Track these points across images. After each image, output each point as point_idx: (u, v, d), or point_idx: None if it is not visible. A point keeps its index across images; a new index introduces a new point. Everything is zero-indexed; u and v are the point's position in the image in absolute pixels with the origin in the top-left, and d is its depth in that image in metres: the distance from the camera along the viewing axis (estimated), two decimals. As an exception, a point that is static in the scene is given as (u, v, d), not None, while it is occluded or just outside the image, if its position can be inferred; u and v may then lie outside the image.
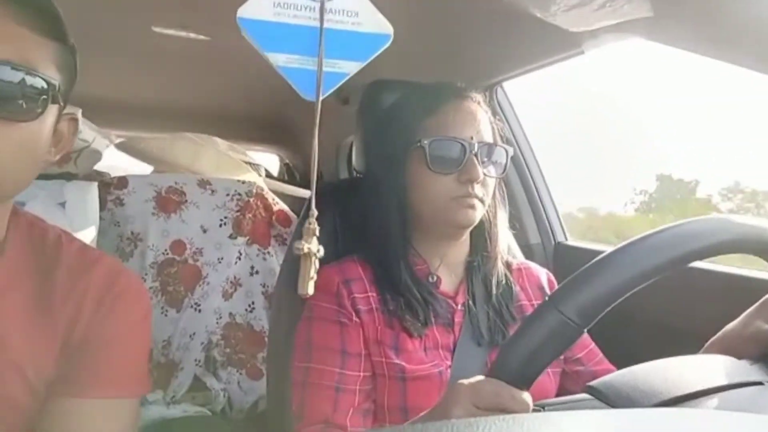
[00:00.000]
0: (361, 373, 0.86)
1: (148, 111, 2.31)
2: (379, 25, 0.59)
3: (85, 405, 0.66)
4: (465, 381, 0.59)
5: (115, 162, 2.09)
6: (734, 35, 0.75)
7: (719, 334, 0.73)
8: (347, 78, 0.58)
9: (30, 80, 0.60)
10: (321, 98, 0.57)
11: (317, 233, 0.59)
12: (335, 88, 0.57)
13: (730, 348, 0.68)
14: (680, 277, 0.58)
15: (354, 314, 0.88)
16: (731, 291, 1.05)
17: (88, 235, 1.67)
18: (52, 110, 0.65)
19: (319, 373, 0.85)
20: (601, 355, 0.99)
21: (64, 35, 0.66)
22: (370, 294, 0.90)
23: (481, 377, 0.58)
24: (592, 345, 0.99)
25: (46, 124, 0.65)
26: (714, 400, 0.52)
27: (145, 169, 2.18)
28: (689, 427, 0.27)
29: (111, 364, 0.69)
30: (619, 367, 0.61)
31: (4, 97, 0.59)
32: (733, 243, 0.56)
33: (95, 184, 1.77)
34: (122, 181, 1.88)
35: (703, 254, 0.55)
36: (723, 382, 0.54)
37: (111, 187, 1.85)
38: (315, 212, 0.58)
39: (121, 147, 2.03)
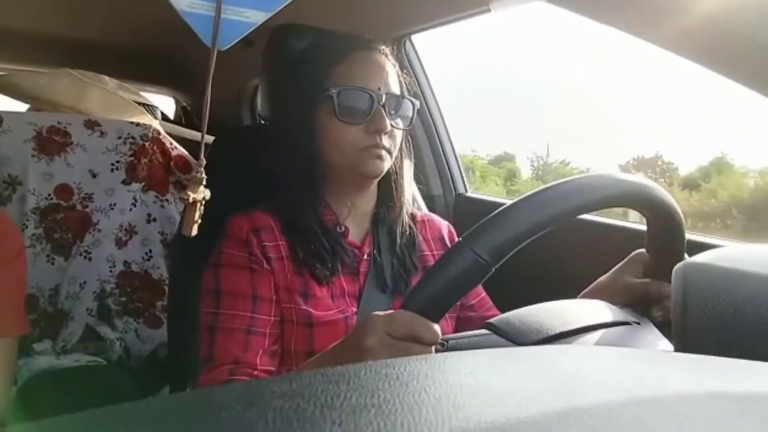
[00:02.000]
0: (272, 318, 0.87)
1: (25, 42, 2.06)
2: None
3: None
4: (380, 312, 0.61)
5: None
6: (635, 7, 0.80)
7: (592, 285, 0.83)
8: (253, 28, 0.56)
9: None
10: (223, 48, 0.56)
11: (204, 182, 0.59)
12: (241, 37, 0.56)
13: (600, 297, 0.77)
14: (566, 227, 0.64)
15: (264, 261, 0.88)
16: (610, 240, 1.17)
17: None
18: None
19: (229, 317, 0.85)
20: (491, 302, 1.06)
21: None
22: (280, 242, 0.91)
23: (395, 310, 0.61)
24: (484, 293, 1.06)
25: None
26: (592, 336, 0.59)
27: (21, 107, 1.97)
28: (569, 360, 0.31)
29: None
30: (513, 308, 0.67)
31: None
32: (620, 197, 0.63)
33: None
34: (-5, 119, 1.70)
35: (598, 205, 0.61)
36: (600, 321, 0.62)
37: (-18, 125, 1.67)
38: (203, 161, 0.59)
39: None
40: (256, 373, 0.83)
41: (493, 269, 0.56)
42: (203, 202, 0.58)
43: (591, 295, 0.81)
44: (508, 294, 1.08)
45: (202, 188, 0.58)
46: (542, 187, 0.59)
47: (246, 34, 0.57)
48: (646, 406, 0.21)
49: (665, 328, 0.68)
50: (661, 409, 0.21)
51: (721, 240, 1.03)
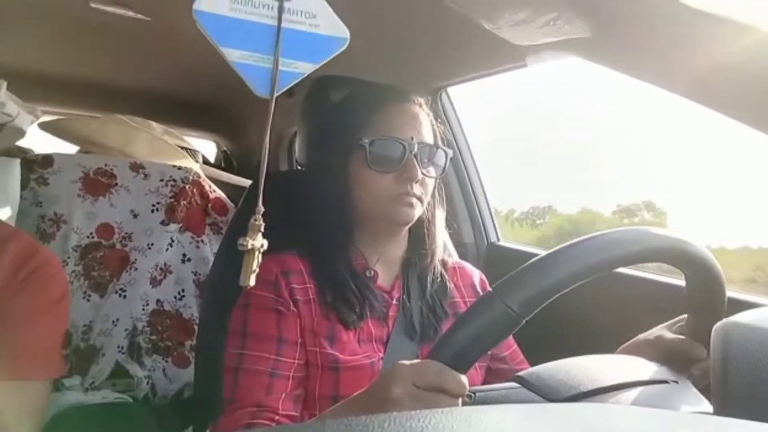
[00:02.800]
0: (296, 361, 0.87)
1: (79, 89, 2.18)
2: (336, 28, 0.60)
3: None
4: (406, 362, 0.61)
5: (40, 141, 1.97)
6: (663, 64, 0.81)
7: (631, 340, 0.80)
8: (301, 78, 0.59)
9: None
10: (275, 96, 0.58)
11: (262, 229, 0.59)
12: (288, 87, 0.58)
13: (639, 352, 0.74)
14: (603, 281, 0.63)
15: (291, 304, 0.89)
16: (649, 295, 1.13)
17: (4, 213, 1.58)
18: None
19: (254, 359, 0.85)
20: (522, 356, 1.04)
21: None
22: (308, 285, 0.91)
23: (422, 360, 0.60)
24: (515, 346, 1.04)
25: None
26: (627, 394, 0.56)
27: (70, 149, 2.07)
28: (605, 421, 0.30)
29: (21, 343, 0.66)
30: (544, 362, 0.65)
31: None
32: (655, 251, 0.61)
33: (17, 161, 1.67)
34: (47, 160, 1.78)
35: (632, 260, 0.60)
36: (636, 378, 0.59)
37: (35, 165, 1.75)
38: (261, 209, 0.59)
39: (46, 127, 1.91)
40: (277, 417, 0.82)
41: (524, 321, 0.55)
42: (261, 250, 0.59)
43: (629, 350, 0.79)
44: (540, 347, 1.05)
45: (260, 236, 0.59)
46: (578, 239, 0.58)
47: (294, 83, 0.59)
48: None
49: (705, 389, 0.65)
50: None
51: (763, 299, 0.99)
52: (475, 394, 0.61)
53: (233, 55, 0.56)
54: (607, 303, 1.16)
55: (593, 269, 0.56)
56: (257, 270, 0.62)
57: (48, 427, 1.40)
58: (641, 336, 0.80)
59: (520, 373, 0.59)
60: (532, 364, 1.02)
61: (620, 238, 0.59)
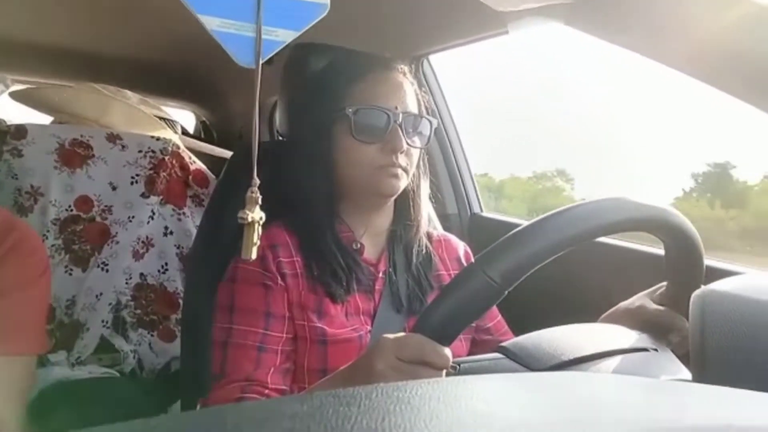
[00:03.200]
0: (284, 335, 0.87)
1: (51, 56, 2.10)
2: None
3: None
4: (390, 335, 0.61)
5: (11, 110, 1.91)
6: (645, 30, 0.81)
7: (612, 309, 0.82)
8: (282, 46, 0.57)
9: None
10: (260, 65, 0.56)
11: (260, 202, 0.59)
12: (270, 55, 0.57)
13: (619, 321, 0.76)
14: (584, 251, 0.63)
15: (279, 278, 0.89)
16: (629, 264, 1.15)
17: (-20, 186, 1.55)
18: None
19: (242, 333, 0.86)
20: (506, 327, 1.06)
21: None
22: (295, 259, 0.91)
23: (404, 334, 0.61)
24: (500, 317, 1.05)
25: None
26: (608, 362, 0.58)
27: (45, 119, 2.01)
28: (586, 388, 0.31)
29: (5, 320, 0.66)
30: (528, 332, 0.66)
31: None
32: (635, 220, 0.62)
33: (-12, 132, 1.62)
34: (21, 131, 1.73)
35: (611, 229, 0.60)
36: (616, 347, 0.61)
37: (8, 136, 1.70)
38: (257, 181, 0.58)
39: (17, 96, 1.85)
40: (267, 391, 0.83)
41: (506, 292, 0.56)
42: (260, 223, 0.59)
43: (610, 319, 0.80)
44: (524, 317, 1.07)
45: (258, 208, 0.58)
46: (557, 209, 0.59)
47: (276, 51, 0.57)
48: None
49: (684, 356, 0.67)
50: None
51: (740, 267, 1.01)
52: (459, 365, 0.62)
53: (212, 23, 0.54)
54: (589, 272, 1.17)
55: (574, 239, 0.57)
56: (258, 242, 0.62)
57: (35, 402, 1.40)
58: (622, 305, 0.82)
59: (504, 344, 0.60)
60: (516, 335, 1.05)
61: (600, 208, 0.60)
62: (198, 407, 0.94)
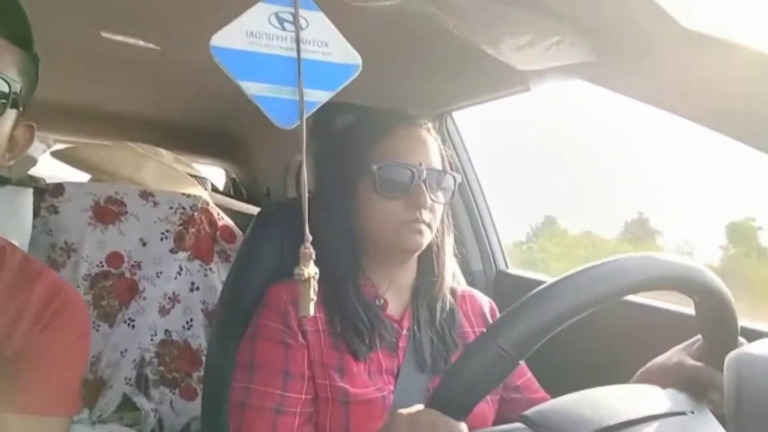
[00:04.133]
0: (303, 396, 0.85)
1: (90, 117, 2.21)
2: (349, 55, 0.61)
3: (14, 420, 0.64)
4: (404, 411, 0.60)
5: (52, 169, 2.00)
6: (667, 87, 0.81)
7: (648, 365, 0.78)
8: (317, 107, 0.59)
9: None
10: (291, 126, 0.58)
11: (314, 257, 0.59)
12: (307, 116, 0.58)
13: (656, 378, 0.72)
14: (613, 309, 0.61)
15: (300, 335, 0.88)
16: (660, 324, 1.11)
17: (19, 242, 1.59)
18: (11, 114, 0.65)
19: (259, 394, 0.84)
20: (537, 384, 1.02)
21: (30, 43, 0.67)
22: (317, 315, 0.90)
23: (420, 407, 0.59)
24: (530, 374, 1.02)
25: (4, 128, 0.64)
26: (638, 430, 0.54)
27: (84, 177, 2.09)
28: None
29: (43, 380, 0.67)
30: (554, 395, 0.63)
31: None
32: (660, 279, 0.60)
33: (30, 190, 1.69)
34: (59, 189, 1.80)
35: (633, 289, 0.58)
36: (650, 412, 0.57)
37: (46, 194, 1.77)
38: (310, 237, 0.59)
39: (58, 155, 1.94)
40: None
41: (521, 362, 0.54)
42: (315, 278, 0.59)
43: (645, 376, 0.76)
44: (548, 377, 1.03)
45: (312, 264, 0.58)
46: (574, 270, 0.57)
47: (312, 112, 0.59)
48: None
49: (724, 416, 0.63)
50: None
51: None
52: None
53: (252, 88, 0.57)
54: (616, 331, 1.13)
55: (593, 302, 0.55)
56: (315, 299, 0.61)
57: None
58: (658, 360, 0.77)
59: (526, 413, 0.57)
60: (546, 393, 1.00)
61: (624, 267, 0.57)
62: None
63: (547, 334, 0.54)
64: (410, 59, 1.34)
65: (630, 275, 0.57)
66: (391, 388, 0.89)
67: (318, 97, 0.59)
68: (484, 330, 0.56)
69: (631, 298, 0.63)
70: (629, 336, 1.14)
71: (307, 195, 0.59)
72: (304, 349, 0.87)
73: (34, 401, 0.65)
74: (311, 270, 0.58)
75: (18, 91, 0.64)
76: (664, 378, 0.72)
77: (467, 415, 0.56)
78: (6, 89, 0.62)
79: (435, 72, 1.35)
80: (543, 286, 0.56)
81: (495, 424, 0.95)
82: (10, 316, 0.67)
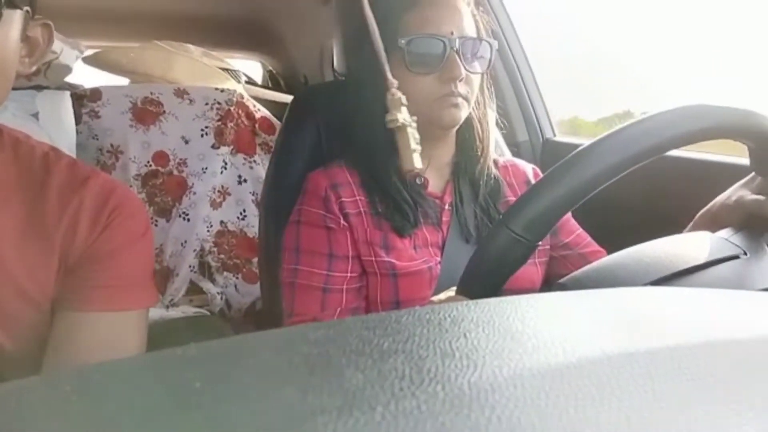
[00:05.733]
0: (348, 274, 0.88)
1: (116, 19, 2.17)
2: None
3: (91, 317, 0.67)
4: (435, 298, 0.61)
5: (86, 74, 2.01)
6: None
7: (707, 206, 0.75)
8: None
9: None
10: None
11: (404, 102, 0.55)
12: None
13: (716, 219, 0.70)
14: (659, 164, 0.58)
15: (341, 218, 0.89)
16: (709, 177, 1.07)
17: (66, 147, 1.64)
18: (13, 16, 0.61)
19: (307, 274, 0.88)
20: (589, 238, 1.00)
21: None
22: (358, 198, 0.91)
23: (451, 293, 0.60)
24: (580, 230, 1.00)
25: (9, 32, 0.61)
26: (691, 279, 0.53)
27: (118, 80, 2.10)
28: (644, 305, 0.28)
29: (113, 278, 0.69)
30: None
31: None
32: (714, 129, 0.56)
33: (68, 94, 1.71)
34: (96, 93, 1.82)
35: (682, 142, 0.55)
36: (698, 260, 0.55)
37: (84, 100, 1.79)
38: (394, 81, 0.55)
39: (89, 60, 1.94)
40: None
41: (538, 244, 0.53)
42: (413, 125, 0.56)
43: (704, 219, 0.74)
44: (598, 232, 1.02)
45: (405, 110, 0.55)
46: (587, 143, 0.54)
47: None
48: (719, 349, 0.19)
49: None
50: (737, 353, 0.19)
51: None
52: None
53: None
54: (663, 188, 1.10)
55: (604, 174, 0.52)
56: (417, 149, 0.59)
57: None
58: (718, 200, 0.74)
59: (562, 281, 0.56)
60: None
61: (670, 120, 0.54)
62: None
63: (562, 213, 0.52)
64: None
65: (676, 128, 0.53)
66: (438, 259, 0.90)
67: None
68: (496, 221, 0.55)
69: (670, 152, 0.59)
70: (677, 192, 1.10)
71: (378, 41, 0.54)
72: (347, 231, 0.89)
73: (107, 298, 0.68)
74: (405, 116, 0.54)
75: None
76: (724, 217, 0.70)
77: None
78: None
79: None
80: (559, 162, 0.54)
81: (546, 282, 0.96)
82: (67, 221, 0.67)
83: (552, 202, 0.52)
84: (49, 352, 0.66)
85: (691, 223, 0.76)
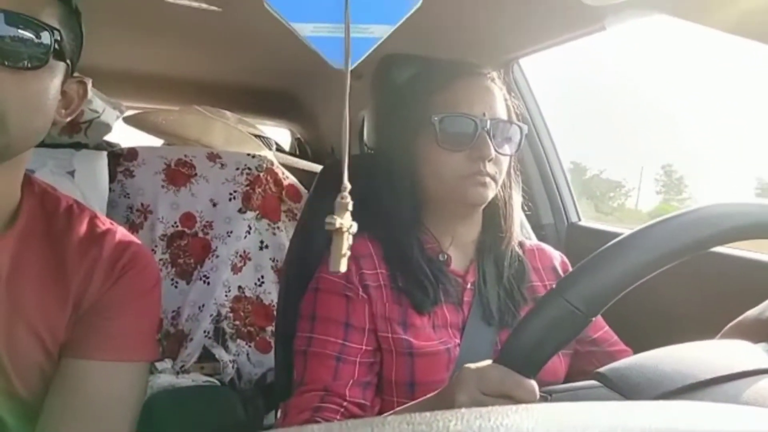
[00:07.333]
0: (363, 347, 0.86)
1: (158, 83, 2.28)
2: None
3: (94, 366, 0.68)
4: (472, 366, 0.58)
5: (125, 134, 2.08)
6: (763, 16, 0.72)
7: (739, 318, 0.72)
8: (379, 43, 0.55)
9: (32, 28, 0.60)
10: (351, 66, 0.55)
11: (350, 208, 0.56)
12: (367, 53, 0.55)
13: (748, 331, 0.67)
14: (695, 262, 0.56)
15: (361, 289, 0.88)
16: (747, 276, 1.03)
17: (97, 204, 1.68)
18: (58, 67, 0.65)
19: (321, 342, 0.85)
20: (615, 337, 0.98)
21: None
22: (379, 271, 0.90)
23: (488, 362, 0.57)
24: (607, 327, 0.98)
25: (53, 81, 0.65)
26: (729, 388, 0.50)
27: (155, 142, 2.17)
28: (695, 421, 0.26)
29: (119, 329, 0.71)
30: (634, 352, 0.60)
31: (7, 45, 0.59)
32: (755, 227, 0.54)
33: (104, 154, 1.77)
34: (132, 153, 1.87)
35: (726, 239, 0.53)
36: (740, 368, 0.53)
37: (121, 159, 1.85)
38: (348, 186, 0.56)
39: (129, 120, 2.02)
40: (345, 404, 0.81)
41: (593, 319, 0.51)
42: (350, 232, 0.56)
43: (734, 331, 0.70)
44: (631, 333, 0.99)
45: (348, 215, 0.56)
46: (649, 222, 0.52)
47: (372, 49, 0.56)
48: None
49: None
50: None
51: None
52: (551, 394, 0.57)
53: (306, 29, 0.54)
54: (701, 284, 1.07)
55: (671, 256, 0.50)
56: (348, 254, 0.59)
57: (145, 407, 1.49)
58: (751, 313, 0.71)
59: (601, 370, 0.54)
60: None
61: (707, 215, 0.52)
62: (279, 412, 0.95)
63: (621, 291, 0.50)
64: (472, 4, 1.27)
65: (718, 224, 0.52)
66: (457, 341, 0.88)
67: (378, 32, 0.55)
68: (550, 289, 0.53)
69: (716, 248, 0.57)
70: (714, 289, 1.07)
71: (348, 140, 0.56)
72: (365, 303, 0.87)
73: (111, 348, 0.69)
74: (346, 221, 0.55)
75: (60, 39, 0.63)
76: (756, 332, 0.66)
77: (537, 373, 0.54)
78: (48, 39, 0.61)
79: (499, 16, 1.28)
80: (620, 237, 0.52)
81: (569, 378, 0.92)
82: (84, 271, 0.70)
83: (614, 277, 0.50)
84: (50, 397, 0.67)
85: (720, 335, 0.73)
